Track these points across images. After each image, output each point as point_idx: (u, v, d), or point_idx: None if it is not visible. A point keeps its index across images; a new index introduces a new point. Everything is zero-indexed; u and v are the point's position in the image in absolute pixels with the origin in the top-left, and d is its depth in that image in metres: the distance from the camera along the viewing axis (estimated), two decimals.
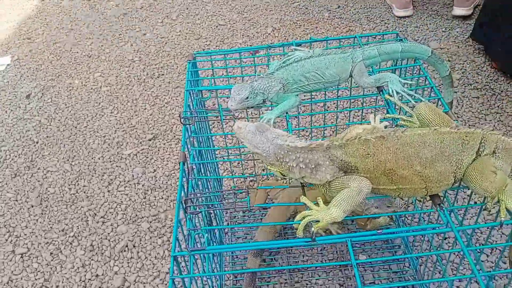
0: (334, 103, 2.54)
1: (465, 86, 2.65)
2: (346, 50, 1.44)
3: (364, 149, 1.06)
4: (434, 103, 1.46)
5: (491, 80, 2.67)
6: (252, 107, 1.39)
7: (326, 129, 2.39)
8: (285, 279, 1.79)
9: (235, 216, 2.07)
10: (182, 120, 1.36)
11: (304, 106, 2.55)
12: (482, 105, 2.51)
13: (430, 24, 3.18)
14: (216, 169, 1.96)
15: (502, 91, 2.58)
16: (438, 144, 1.06)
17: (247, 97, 1.32)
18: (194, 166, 1.40)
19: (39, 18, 3.74)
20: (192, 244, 1.12)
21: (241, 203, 1.19)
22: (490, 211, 1.94)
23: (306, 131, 2.37)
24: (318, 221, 1.05)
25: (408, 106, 1.34)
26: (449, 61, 2.83)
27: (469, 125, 2.41)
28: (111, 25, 3.57)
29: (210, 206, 1.23)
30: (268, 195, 2.01)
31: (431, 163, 1.06)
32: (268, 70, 1.43)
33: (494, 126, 2.38)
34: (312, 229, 1.04)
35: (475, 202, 1.95)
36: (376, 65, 1.50)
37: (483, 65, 2.77)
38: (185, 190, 1.18)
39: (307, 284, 1.78)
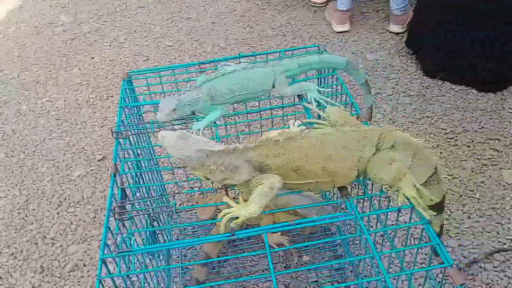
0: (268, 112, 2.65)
1: (399, 94, 2.83)
2: (269, 63, 1.56)
3: (274, 149, 1.17)
4: (348, 107, 1.59)
5: (423, 87, 2.87)
6: (181, 119, 1.47)
7: (251, 135, 2.49)
8: (234, 285, 1.86)
9: (185, 228, 2.13)
10: (113, 134, 1.43)
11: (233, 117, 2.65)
12: (415, 111, 2.69)
13: (366, 38, 3.37)
14: (159, 178, 2.02)
15: (433, 97, 2.78)
16: (340, 142, 1.19)
17: (174, 109, 1.40)
18: (129, 176, 1.47)
19: None
20: (121, 247, 1.18)
21: (168, 207, 1.27)
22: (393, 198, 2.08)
23: (235, 138, 2.46)
24: (238, 217, 1.15)
25: (323, 111, 1.46)
26: (383, 71, 3.02)
27: (404, 129, 2.57)
28: (59, 50, 3.59)
29: (138, 211, 1.29)
30: (219, 210, 2.08)
31: (334, 159, 1.18)
32: (195, 83, 1.52)
33: (426, 128, 2.55)
34: (232, 224, 1.13)
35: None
36: (298, 75, 1.62)
37: (415, 73, 2.97)
38: (116, 199, 1.25)
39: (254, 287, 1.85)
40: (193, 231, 2.12)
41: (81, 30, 3.84)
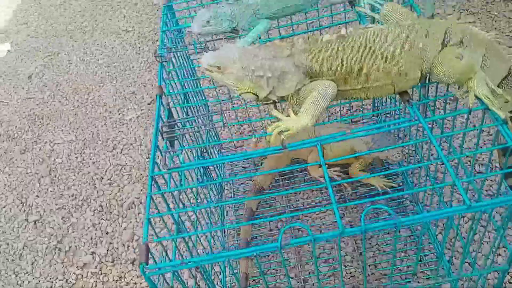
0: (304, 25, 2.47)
1: (460, 12, 2.58)
2: None
3: (327, 51, 1.05)
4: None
5: (487, 3, 2.59)
6: (221, 34, 1.39)
7: None
8: (286, 218, 1.83)
9: (237, 164, 2.10)
10: (156, 58, 1.38)
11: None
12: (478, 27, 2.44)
13: None
14: (204, 99, 1.95)
15: (499, 13, 2.51)
16: (400, 38, 1.05)
17: (208, 21, 1.32)
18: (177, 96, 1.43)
19: (34, 3, 3.77)
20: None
21: (216, 123, 1.22)
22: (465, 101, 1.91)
23: None
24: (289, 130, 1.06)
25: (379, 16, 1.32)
26: None
27: None
28: None
29: (185, 129, 1.25)
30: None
31: (394, 57, 1.04)
32: None
33: None
34: (282, 137, 1.04)
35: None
36: None
37: None
38: (163, 119, 1.22)
39: (307, 220, 1.81)
40: (243, 166, 2.09)
41: None
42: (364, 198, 1.82)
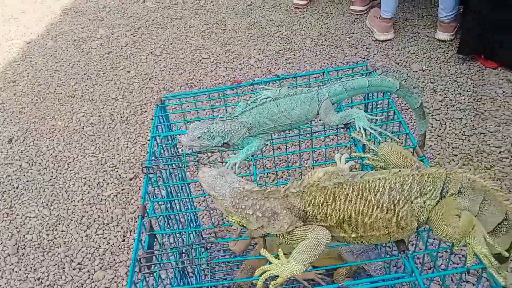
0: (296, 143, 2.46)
1: (447, 108, 2.61)
2: (312, 88, 1.41)
3: (322, 197, 1.01)
4: (402, 137, 1.43)
5: (474, 100, 2.64)
6: (211, 148, 1.36)
7: (290, 171, 2.34)
8: None
9: (215, 256, 2.01)
10: (143, 169, 1.32)
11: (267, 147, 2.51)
12: (466, 126, 2.47)
13: (411, 46, 3.16)
14: (193, 219, 1.90)
15: (485, 111, 2.54)
16: (398, 188, 1.01)
17: (200, 136, 1.29)
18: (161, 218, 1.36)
19: (24, 61, 3.76)
20: None
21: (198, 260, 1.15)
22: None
23: (272, 173, 2.30)
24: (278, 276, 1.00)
25: (373, 143, 1.31)
26: (431, 83, 2.81)
27: (453, 147, 2.36)
28: (96, 64, 3.59)
29: (163, 264, 1.17)
30: (251, 245, 1.96)
31: (392, 208, 1.00)
32: (234, 112, 1.39)
33: (477, 147, 2.33)
34: (270, 286, 0.98)
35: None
36: (344, 101, 1.47)
37: (465, 85, 2.74)
38: (143, 246, 1.13)
39: None
40: (225, 252, 2.00)
41: (118, 43, 3.82)
42: None
